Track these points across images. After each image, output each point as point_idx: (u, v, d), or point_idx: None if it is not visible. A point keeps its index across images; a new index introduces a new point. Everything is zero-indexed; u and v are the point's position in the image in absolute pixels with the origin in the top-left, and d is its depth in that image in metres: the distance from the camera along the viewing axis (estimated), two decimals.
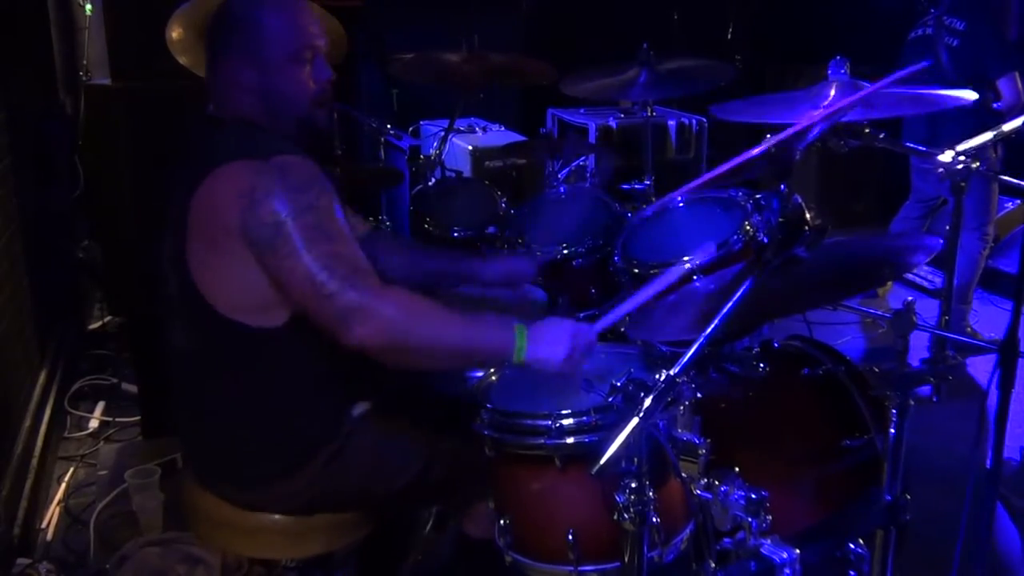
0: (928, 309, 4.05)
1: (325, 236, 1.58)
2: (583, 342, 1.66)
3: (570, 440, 1.62)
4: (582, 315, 2.66)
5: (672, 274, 1.80)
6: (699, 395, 1.60)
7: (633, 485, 1.37)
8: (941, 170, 2.05)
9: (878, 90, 1.67)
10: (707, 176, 1.48)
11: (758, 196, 2.27)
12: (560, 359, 1.63)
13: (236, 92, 1.74)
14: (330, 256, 1.56)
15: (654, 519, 1.40)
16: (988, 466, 1.99)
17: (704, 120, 5.16)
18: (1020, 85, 3.75)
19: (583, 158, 3.44)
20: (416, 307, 1.60)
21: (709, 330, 1.36)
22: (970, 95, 2.14)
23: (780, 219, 2.10)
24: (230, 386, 1.73)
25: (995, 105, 3.77)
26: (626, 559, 1.43)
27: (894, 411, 1.58)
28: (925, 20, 4.07)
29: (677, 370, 1.33)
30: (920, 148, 2.30)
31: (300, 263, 1.56)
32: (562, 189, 3.10)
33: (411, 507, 2.07)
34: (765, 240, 1.49)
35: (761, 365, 2.09)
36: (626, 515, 1.38)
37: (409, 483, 1.84)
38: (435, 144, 3.47)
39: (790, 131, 1.43)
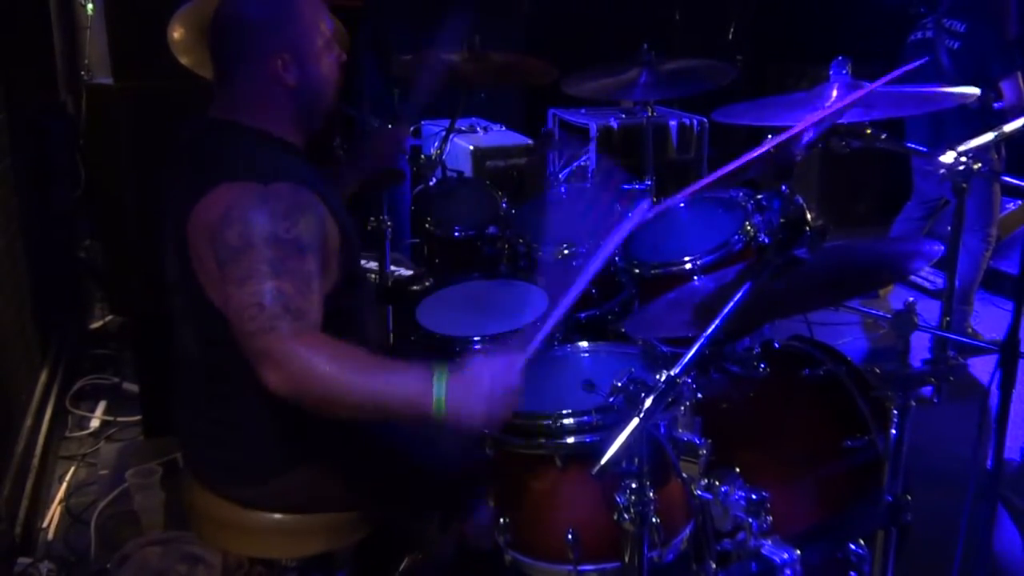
0: (929, 310, 4.04)
1: (272, 271, 1.51)
2: (508, 385, 1.49)
3: (570, 440, 1.63)
4: (583, 315, 2.66)
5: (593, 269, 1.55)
6: (700, 395, 1.60)
7: (633, 485, 1.37)
8: (943, 171, 2.05)
9: (875, 89, 1.66)
10: (707, 179, 1.47)
11: (759, 197, 2.27)
12: (480, 412, 1.47)
13: (272, 95, 1.69)
14: (267, 293, 1.49)
15: (654, 519, 1.40)
16: (989, 466, 2.00)
17: (705, 120, 5.17)
18: (1023, 85, 3.75)
19: (583, 158, 3.44)
20: (334, 358, 1.49)
21: (710, 330, 1.36)
22: (972, 90, 2.14)
23: (781, 220, 2.11)
24: (234, 388, 1.73)
25: (996, 105, 3.76)
26: (626, 559, 1.43)
27: (895, 412, 1.58)
28: (924, 23, 4.06)
29: (678, 370, 1.33)
30: (921, 149, 2.30)
31: (237, 293, 1.51)
32: (562, 189, 3.10)
33: (410, 509, 2.06)
34: (766, 241, 1.49)
35: (762, 365, 2.09)
36: (626, 515, 1.38)
37: (404, 486, 1.84)
38: (436, 144, 3.46)
39: (790, 133, 1.43)
